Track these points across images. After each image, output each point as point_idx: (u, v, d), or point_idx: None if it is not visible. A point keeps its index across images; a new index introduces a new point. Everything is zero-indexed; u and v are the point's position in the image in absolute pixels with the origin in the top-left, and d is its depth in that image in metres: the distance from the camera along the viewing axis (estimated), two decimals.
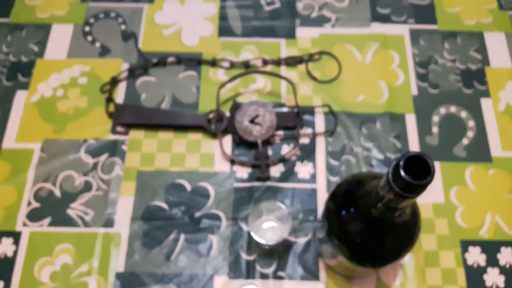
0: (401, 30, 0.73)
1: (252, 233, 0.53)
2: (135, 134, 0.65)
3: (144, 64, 0.69)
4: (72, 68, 0.69)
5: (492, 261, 0.57)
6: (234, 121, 0.63)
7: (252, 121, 0.63)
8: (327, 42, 0.71)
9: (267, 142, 0.64)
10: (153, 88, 0.68)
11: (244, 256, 0.57)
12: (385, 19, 0.74)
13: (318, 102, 0.67)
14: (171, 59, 0.70)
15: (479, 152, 0.64)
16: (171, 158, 0.63)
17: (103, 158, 0.63)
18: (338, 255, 0.46)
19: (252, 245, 0.58)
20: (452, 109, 0.67)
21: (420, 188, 0.31)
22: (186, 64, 0.70)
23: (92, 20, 0.73)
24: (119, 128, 0.65)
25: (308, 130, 0.65)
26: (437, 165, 0.63)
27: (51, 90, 0.68)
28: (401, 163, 0.31)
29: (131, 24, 0.73)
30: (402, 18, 0.74)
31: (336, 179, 0.62)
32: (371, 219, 0.40)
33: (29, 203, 0.60)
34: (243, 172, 0.62)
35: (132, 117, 0.65)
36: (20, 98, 0.67)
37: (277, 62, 0.70)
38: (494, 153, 0.64)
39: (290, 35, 0.72)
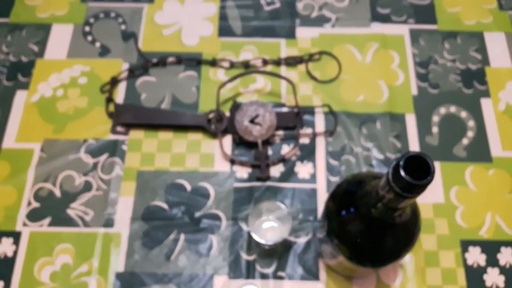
0: (401, 30, 0.73)
1: (252, 233, 0.52)
2: (135, 134, 0.65)
3: (144, 64, 0.69)
4: (72, 68, 0.69)
5: (492, 261, 0.57)
6: (234, 121, 0.63)
7: (252, 121, 0.63)
8: (327, 42, 0.71)
9: (267, 142, 0.64)
10: (153, 88, 0.68)
11: (244, 256, 0.57)
12: (385, 19, 0.74)
13: (318, 102, 0.67)
14: (171, 59, 0.70)
15: (479, 152, 0.64)
16: (171, 158, 0.63)
17: (103, 158, 0.63)
18: (338, 255, 0.46)
19: (252, 245, 0.58)
20: (452, 109, 0.67)
21: (420, 188, 0.31)
22: (186, 64, 0.70)
23: (92, 20, 0.73)
24: (119, 128, 0.65)
25: (308, 130, 0.65)
26: (437, 165, 0.63)
27: (51, 90, 0.68)
28: (401, 163, 0.31)
29: (131, 24, 0.73)
30: (402, 18, 0.74)
31: (336, 179, 0.62)
32: (371, 219, 0.40)
33: (29, 203, 0.60)
34: (243, 172, 0.62)
35: (132, 117, 0.65)
36: (20, 98, 0.67)
37: (277, 62, 0.70)
38: (494, 153, 0.64)
39: (290, 35, 0.72)
